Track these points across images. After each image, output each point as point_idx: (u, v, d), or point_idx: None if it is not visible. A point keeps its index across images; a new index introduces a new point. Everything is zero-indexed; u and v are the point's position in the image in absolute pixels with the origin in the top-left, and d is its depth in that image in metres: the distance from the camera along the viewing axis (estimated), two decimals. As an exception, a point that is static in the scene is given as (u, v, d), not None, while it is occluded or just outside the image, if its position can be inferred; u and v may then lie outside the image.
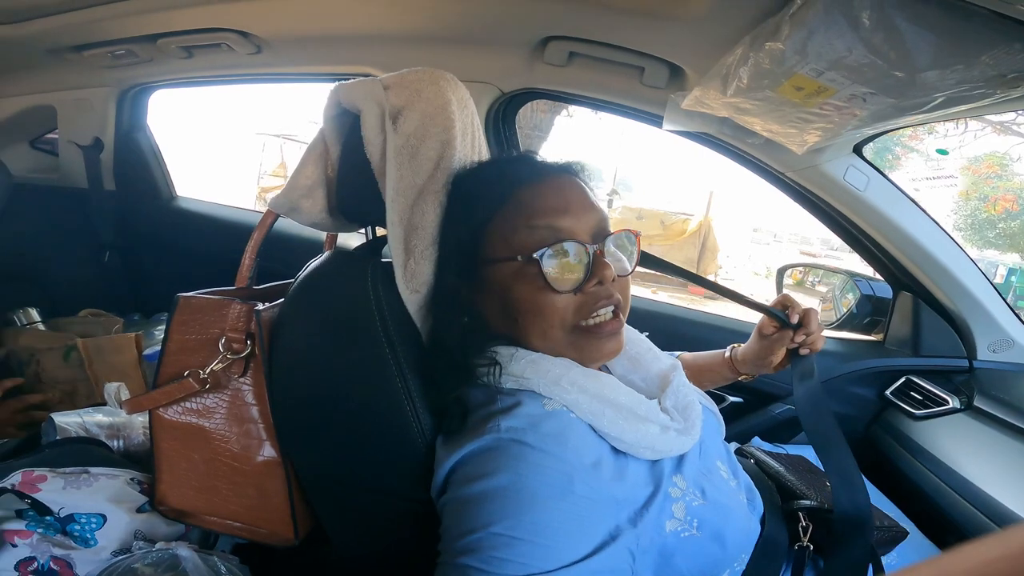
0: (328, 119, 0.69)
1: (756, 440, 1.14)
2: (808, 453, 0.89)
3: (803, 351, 0.83)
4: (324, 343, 0.64)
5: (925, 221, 1.15)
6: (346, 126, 0.68)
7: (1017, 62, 0.64)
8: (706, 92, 0.90)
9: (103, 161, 1.63)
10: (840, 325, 1.43)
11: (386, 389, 0.60)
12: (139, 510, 0.76)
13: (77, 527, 0.73)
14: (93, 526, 0.73)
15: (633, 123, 1.22)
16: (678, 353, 0.97)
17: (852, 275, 1.47)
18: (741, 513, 0.65)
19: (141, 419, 0.87)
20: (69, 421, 0.84)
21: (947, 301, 1.22)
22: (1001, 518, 0.89)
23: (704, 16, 0.86)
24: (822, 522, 0.71)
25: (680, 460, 0.62)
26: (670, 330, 1.35)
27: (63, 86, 1.56)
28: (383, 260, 0.66)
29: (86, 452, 0.79)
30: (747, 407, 1.32)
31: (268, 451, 0.70)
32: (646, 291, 5.71)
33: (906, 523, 0.92)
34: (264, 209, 0.80)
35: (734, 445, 0.94)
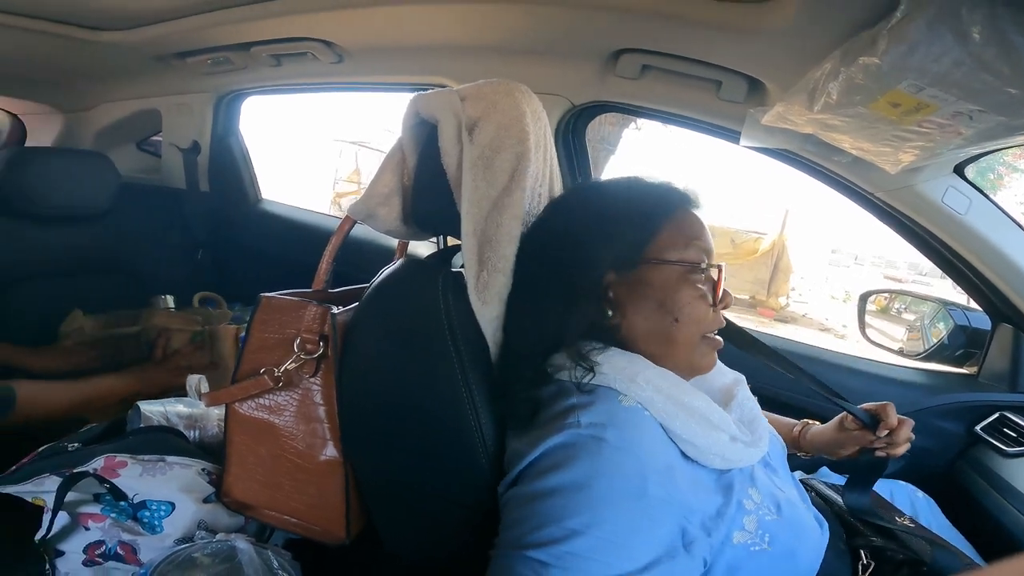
0: (406, 128, 0.71)
1: (824, 471, 1.08)
2: (882, 488, 0.86)
3: (879, 453, 0.80)
4: (395, 350, 0.65)
5: (1032, 248, 1.04)
6: (423, 136, 0.70)
7: None
8: (790, 107, 0.86)
9: (199, 163, 1.75)
10: (928, 356, 1.32)
11: (452, 400, 0.61)
12: (205, 500, 0.79)
13: (147, 513, 0.76)
14: (162, 513, 0.77)
15: (704, 137, 1.19)
16: None
17: (945, 303, 1.35)
18: (815, 534, 0.64)
19: (217, 412, 0.90)
20: (153, 410, 0.88)
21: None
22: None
23: (789, 29, 0.82)
24: (887, 562, 0.69)
25: (752, 473, 0.62)
26: (731, 352, 1.29)
27: (167, 91, 1.69)
28: (452, 270, 0.67)
29: (165, 441, 0.82)
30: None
31: (331, 451, 0.72)
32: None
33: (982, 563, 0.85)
34: (339, 214, 0.83)
35: (798, 474, 0.90)
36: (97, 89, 1.74)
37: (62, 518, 0.75)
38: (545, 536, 0.50)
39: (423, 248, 1.41)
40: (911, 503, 0.94)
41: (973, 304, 1.27)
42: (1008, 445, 1.09)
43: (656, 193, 0.69)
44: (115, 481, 0.76)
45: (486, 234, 0.63)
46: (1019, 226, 1.05)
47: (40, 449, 0.82)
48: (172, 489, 0.77)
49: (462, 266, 0.65)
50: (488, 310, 0.63)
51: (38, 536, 0.76)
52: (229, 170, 1.78)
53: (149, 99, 1.74)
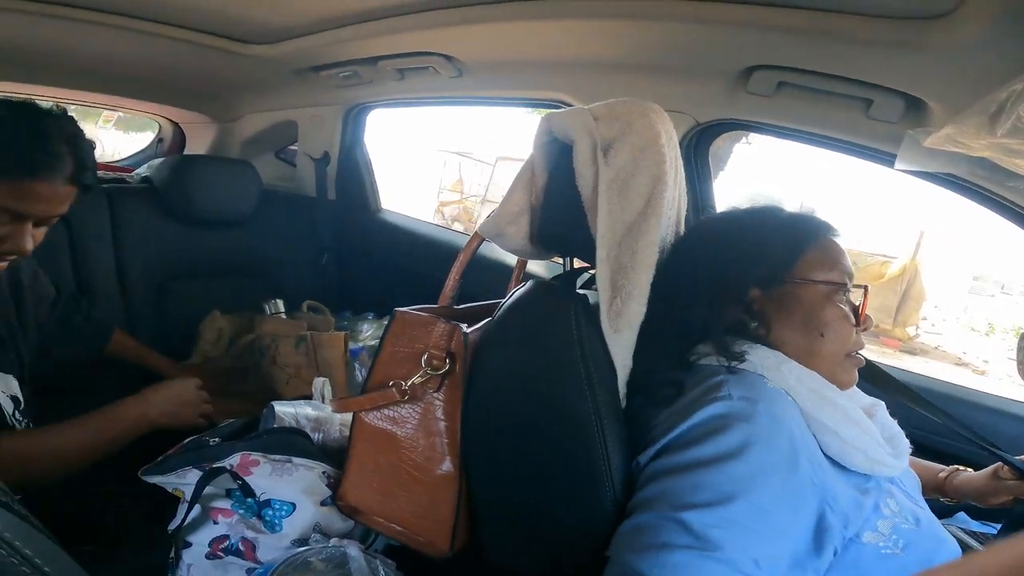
0: (538, 147, 0.70)
1: (962, 516, 0.96)
2: None
3: None
4: (525, 372, 0.65)
5: None
6: (553, 155, 0.70)
7: None
8: (962, 130, 0.76)
9: (328, 173, 1.87)
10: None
11: (580, 426, 0.60)
12: (322, 503, 0.80)
13: (270, 512, 0.78)
14: (283, 513, 0.78)
15: (820, 152, 1.10)
16: None
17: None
18: (958, 553, 0.63)
19: (340, 416, 0.92)
20: (286, 411, 0.90)
21: None
22: None
23: (968, 46, 0.73)
24: None
25: (891, 489, 0.62)
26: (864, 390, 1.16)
27: (303, 103, 1.83)
28: (579, 292, 0.67)
29: (294, 442, 0.84)
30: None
31: (447, 465, 0.72)
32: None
33: None
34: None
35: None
36: (245, 100, 1.93)
37: (195, 510, 0.79)
38: (700, 500, 0.52)
39: (539, 268, 1.41)
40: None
41: None
42: None
43: (801, 219, 0.73)
44: (247, 479, 0.79)
45: (620, 260, 0.61)
46: None
47: (185, 441, 0.86)
48: (295, 490, 0.79)
49: (584, 285, 0.64)
50: (620, 338, 0.62)
51: (172, 525, 0.80)
52: (354, 180, 1.88)
53: (287, 111, 1.89)
